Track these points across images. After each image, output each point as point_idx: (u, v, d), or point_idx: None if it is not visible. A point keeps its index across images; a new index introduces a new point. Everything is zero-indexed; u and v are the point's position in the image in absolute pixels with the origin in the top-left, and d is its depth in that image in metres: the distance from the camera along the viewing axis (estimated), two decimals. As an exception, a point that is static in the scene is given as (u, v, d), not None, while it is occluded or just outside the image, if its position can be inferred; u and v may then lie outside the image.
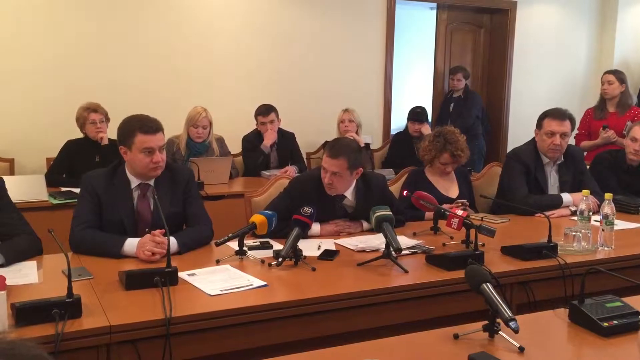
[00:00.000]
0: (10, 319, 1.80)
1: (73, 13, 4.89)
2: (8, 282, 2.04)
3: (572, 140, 4.81)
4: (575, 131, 5.10)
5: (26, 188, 3.67)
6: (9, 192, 2.57)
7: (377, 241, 2.71)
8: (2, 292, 1.79)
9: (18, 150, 4.76)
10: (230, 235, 2.55)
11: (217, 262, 2.46)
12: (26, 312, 1.80)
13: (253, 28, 5.49)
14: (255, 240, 2.73)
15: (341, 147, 2.89)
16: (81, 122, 4.37)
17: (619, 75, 5.03)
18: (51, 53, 4.85)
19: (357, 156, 2.91)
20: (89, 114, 4.34)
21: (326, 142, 5.35)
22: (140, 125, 2.62)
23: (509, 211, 3.41)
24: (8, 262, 2.34)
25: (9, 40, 4.73)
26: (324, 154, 2.97)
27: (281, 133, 4.98)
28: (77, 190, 2.82)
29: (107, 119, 4.39)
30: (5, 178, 2.62)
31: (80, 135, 4.41)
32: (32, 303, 1.83)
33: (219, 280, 2.22)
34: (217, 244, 2.57)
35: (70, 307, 1.83)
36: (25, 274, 2.26)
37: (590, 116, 5.16)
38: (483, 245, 2.67)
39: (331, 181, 2.87)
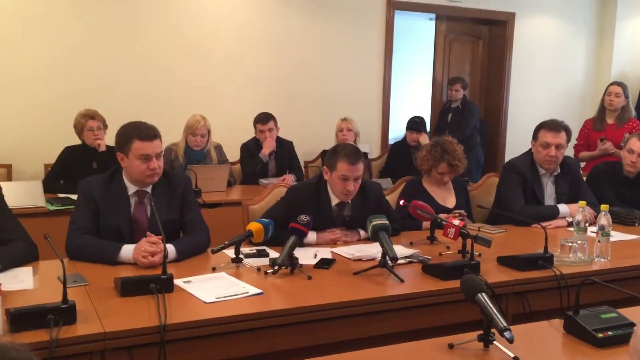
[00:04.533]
0: (5, 324, 1.80)
1: (71, 19, 4.91)
2: (3, 287, 2.03)
3: (570, 151, 4.83)
4: (574, 142, 5.13)
5: (24, 194, 3.67)
6: (6, 198, 2.58)
7: (373, 250, 2.71)
8: (-3, 297, 1.79)
9: (16, 156, 4.76)
10: (226, 242, 2.55)
11: (213, 269, 2.46)
12: (21, 318, 1.80)
13: (252, 36, 5.52)
14: (251, 248, 2.74)
15: (357, 152, 2.93)
16: (79, 128, 4.38)
17: (625, 88, 5.08)
18: (49, 59, 4.87)
19: None
20: (87, 120, 4.35)
21: (324, 151, 5.40)
22: (137, 132, 2.63)
23: (505, 221, 3.41)
24: (4, 268, 2.33)
25: (7, 46, 4.74)
26: (341, 164, 2.87)
27: (280, 141, 4.99)
28: (75, 197, 2.83)
29: (105, 126, 4.40)
30: (2, 184, 2.62)
31: (78, 141, 4.42)
32: (27, 309, 1.83)
33: (215, 288, 2.22)
34: (214, 252, 2.57)
35: (64, 313, 1.83)
36: (20, 280, 2.26)
37: (590, 127, 5.19)
38: (479, 255, 2.68)
39: (355, 187, 2.90)
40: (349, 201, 2.99)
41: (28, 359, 0.80)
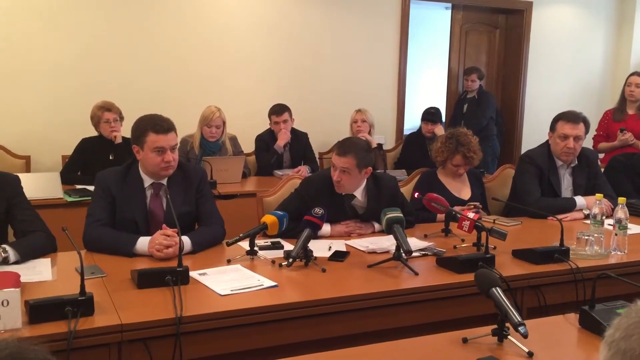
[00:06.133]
0: (24, 316, 1.83)
1: (88, 13, 4.94)
2: (22, 279, 2.08)
3: (589, 141, 4.77)
4: (594, 132, 5.07)
5: (42, 185, 3.71)
6: (25, 190, 2.61)
7: (387, 243, 2.70)
8: (17, 289, 1.82)
9: (34, 147, 4.82)
10: (241, 235, 2.57)
11: (228, 261, 2.48)
12: (39, 310, 1.83)
13: (267, 27, 5.51)
14: (266, 241, 2.75)
15: (350, 145, 2.92)
16: (95, 120, 4.42)
17: None
18: (67, 53, 4.90)
19: (366, 155, 2.92)
20: (103, 112, 4.38)
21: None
22: (152, 124, 2.64)
23: (521, 214, 3.39)
24: (23, 259, 2.37)
25: (24, 40, 4.79)
26: (333, 152, 2.99)
27: (294, 133, 4.99)
28: (92, 188, 2.86)
29: (121, 118, 4.44)
30: (21, 175, 2.65)
31: (95, 133, 4.46)
32: (46, 300, 1.86)
33: (230, 280, 2.24)
34: (229, 244, 2.59)
35: (82, 305, 1.86)
36: (39, 271, 2.29)
37: (609, 118, 5.12)
38: (494, 248, 2.67)
39: (340, 179, 2.89)
40: (355, 194, 2.99)
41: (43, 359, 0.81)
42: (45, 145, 4.85)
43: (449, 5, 6.54)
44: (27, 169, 4.67)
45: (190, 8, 5.24)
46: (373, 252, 2.66)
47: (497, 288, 1.79)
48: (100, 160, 4.17)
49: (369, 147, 3.05)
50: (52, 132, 4.88)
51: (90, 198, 2.93)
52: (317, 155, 5.28)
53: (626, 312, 0.91)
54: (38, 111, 4.87)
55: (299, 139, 5.03)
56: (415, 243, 2.74)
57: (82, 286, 1.88)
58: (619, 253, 2.76)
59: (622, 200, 2.80)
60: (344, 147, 2.91)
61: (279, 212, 2.71)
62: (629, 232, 2.82)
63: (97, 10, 4.96)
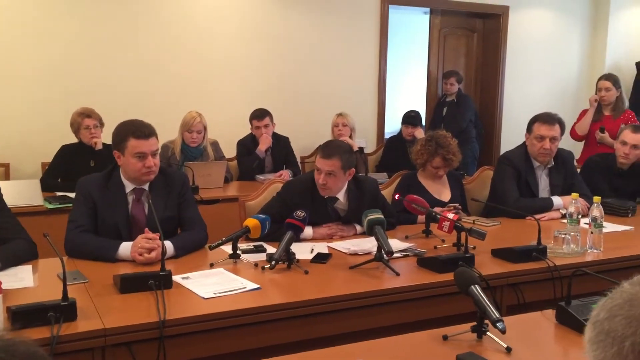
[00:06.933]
0: (6, 322, 1.83)
1: (68, 18, 4.92)
2: (4, 285, 2.06)
3: (566, 135, 4.85)
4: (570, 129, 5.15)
5: (22, 193, 3.69)
6: (5, 197, 2.60)
7: (369, 244, 2.73)
8: (-2, 295, 1.82)
9: (13, 154, 4.77)
10: (224, 239, 2.58)
11: (211, 265, 2.49)
12: (22, 316, 1.82)
13: (248, 32, 5.53)
14: (248, 244, 2.76)
15: (334, 148, 2.95)
16: (75, 127, 4.39)
17: (614, 80, 5.08)
18: (47, 58, 4.87)
19: (349, 157, 2.96)
20: (83, 119, 4.36)
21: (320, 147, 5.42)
22: (133, 130, 2.65)
23: (500, 214, 3.45)
24: (4, 266, 2.36)
25: (4, 45, 4.75)
26: (316, 156, 3.02)
27: (276, 137, 5.01)
28: (73, 195, 2.85)
29: (102, 124, 4.41)
30: (1, 183, 2.65)
31: (75, 140, 4.43)
32: (28, 306, 1.85)
33: (213, 284, 2.25)
34: (211, 248, 2.60)
35: (65, 310, 1.86)
36: (21, 278, 2.29)
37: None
38: (474, 248, 2.71)
39: (325, 182, 2.91)
40: (337, 196, 3.02)
41: (35, 352, 0.83)
42: (25, 153, 4.81)
43: (427, 10, 6.61)
44: (7, 177, 4.63)
45: (171, 13, 5.24)
46: (355, 254, 2.69)
47: (476, 285, 1.83)
48: (81, 167, 4.15)
49: (351, 149, 3.09)
50: (31, 139, 4.84)
51: (70, 205, 2.92)
52: (298, 159, 5.30)
53: (612, 294, 0.92)
54: (17, 118, 4.83)
55: (281, 144, 5.05)
56: (396, 244, 2.77)
57: (65, 291, 1.88)
58: (594, 251, 2.82)
59: (597, 199, 2.86)
60: (328, 149, 2.94)
61: (261, 216, 2.73)
62: (604, 230, 2.88)
63: (76, 16, 4.94)
